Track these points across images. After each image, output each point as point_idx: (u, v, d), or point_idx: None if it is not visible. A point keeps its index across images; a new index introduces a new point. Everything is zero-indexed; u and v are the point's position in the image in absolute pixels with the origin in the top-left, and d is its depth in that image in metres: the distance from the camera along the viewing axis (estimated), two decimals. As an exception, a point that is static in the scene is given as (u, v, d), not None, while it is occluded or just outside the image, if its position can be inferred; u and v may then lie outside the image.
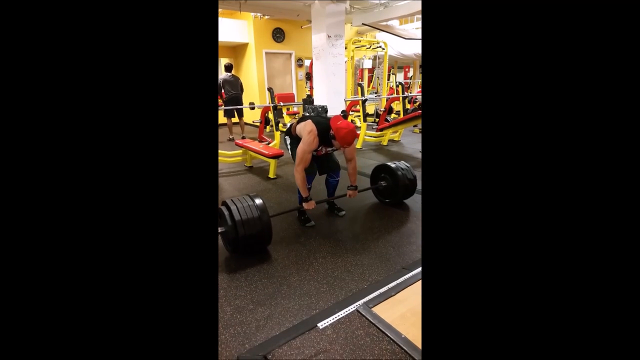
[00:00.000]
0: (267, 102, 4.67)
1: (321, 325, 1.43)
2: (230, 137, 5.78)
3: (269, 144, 4.28)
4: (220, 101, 5.63)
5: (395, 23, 6.83)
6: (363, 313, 1.49)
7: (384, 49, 7.72)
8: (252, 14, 6.63)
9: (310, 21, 5.41)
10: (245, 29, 7.05)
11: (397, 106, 7.33)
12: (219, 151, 3.91)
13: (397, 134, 5.60)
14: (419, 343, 1.29)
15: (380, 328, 1.39)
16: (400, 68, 10.76)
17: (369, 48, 8.03)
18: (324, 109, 4.84)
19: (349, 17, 5.87)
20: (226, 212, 1.91)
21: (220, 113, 5.76)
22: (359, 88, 5.12)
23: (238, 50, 7.65)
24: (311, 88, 7.03)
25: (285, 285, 1.73)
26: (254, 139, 4.91)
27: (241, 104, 5.68)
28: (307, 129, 2.14)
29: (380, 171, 2.78)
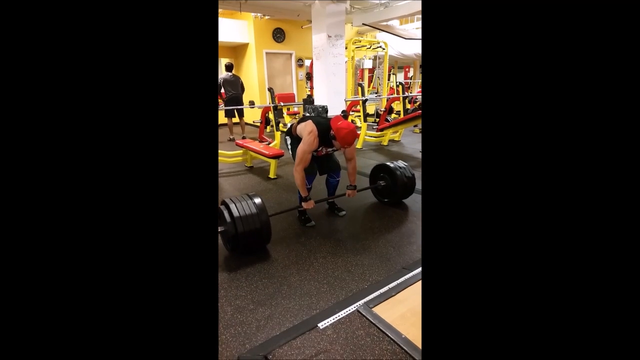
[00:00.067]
0: (268, 102, 4.67)
1: (322, 325, 1.43)
2: (231, 137, 5.78)
3: (269, 144, 4.29)
4: (220, 101, 5.63)
5: (395, 23, 6.83)
6: (363, 313, 1.49)
7: (384, 49, 7.72)
8: (253, 14, 6.63)
9: (311, 21, 5.41)
10: (246, 29, 7.05)
11: (397, 106, 7.32)
12: (220, 151, 3.91)
13: (398, 134, 5.59)
14: (419, 343, 1.29)
15: (381, 328, 1.39)
16: (400, 68, 10.76)
17: (369, 48, 8.03)
18: (325, 109, 4.84)
19: (349, 17, 5.87)
20: (225, 211, 1.92)
21: (221, 113, 5.77)
22: (359, 88, 5.12)
23: (238, 50, 7.65)
24: (311, 88, 7.03)
25: (286, 285, 1.73)
26: (254, 139, 4.91)
27: (241, 104, 5.67)
28: (307, 129, 2.14)
29: (379, 171, 2.79)
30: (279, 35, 7.27)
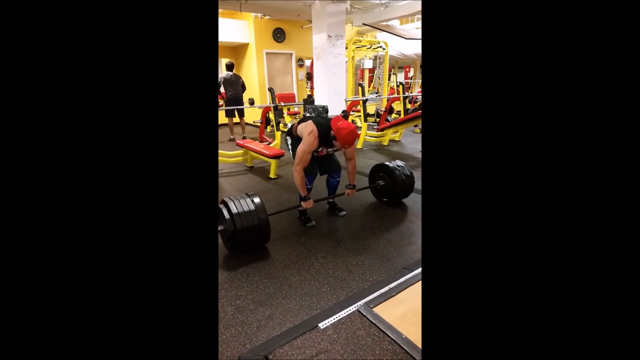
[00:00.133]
0: (268, 102, 4.67)
1: (322, 325, 1.43)
2: (231, 137, 5.78)
3: (269, 144, 4.29)
4: (221, 101, 5.63)
5: (395, 23, 6.83)
6: (364, 313, 1.49)
7: (384, 49, 7.71)
8: (253, 14, 6.63)
9: (311, 21, 5.41)
10: (246, 29, 7.05)
11: (397, 106, 7.32)
12: (220, 151, 3.91)
13: (398, 134, 5.59)
14: (419, 343, 1.29)
15: (381, 328, 1.39)
16: (400, 68, 10.75)
17: (370, 48, 8.03)
18: (325, 109, 4.84)
19: (349, 17, 5.87)
20: (224, 210, 1.93)
21: (222, 113, 5.77)
22: (360, 88, 5.12)
23: (239, 50, 7.65)
24: (312, 88, 7.03)
25: (286, 285, 1.73)
26: (254, 139, 4.91)
27: (242, 103, 5.67)
28: (307, 130, 2.15)
29: (378, 170, 2.80)
30: (279, 35, 7.27)
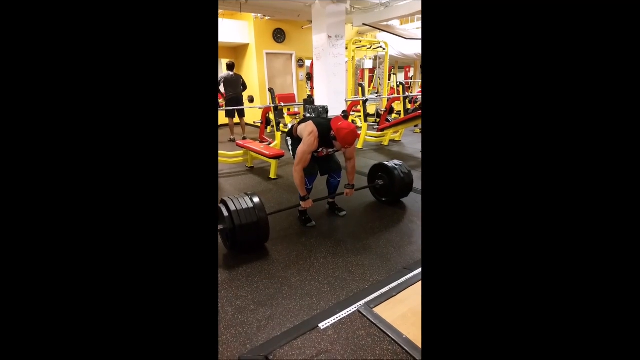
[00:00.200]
0: (268, 102, 4.67)
1: (322, 325, 1.43)
2: (232, 137, 5.79)
3: (269, 144, 4.29)
4: (221, 101, 5.63)
5: (395, 23, 6.82)
6: (364, 313, 1.49)
7: (384, 49, 7.71)
8: (253, 14, 6.63)
9: (311, 21, 5.41)
10: (246, 30, 7.05)
11: (398, 106, 7.32)
12: (220, 152, 3.91)
13: (398, 134, 5.59)
14: (420, 343, 1.29)
15: (382, 328, 1.39)
16: (401, 68, 10.75)
17: (370, 48, 8.02)
18: (325, 109, 4.84)
19: (349, 18, 5.87)
20: (224, 208, 1.95)
21: (222, 113, 5.77)
22: (360, 88, 5.12)
23: (239, 50, 7.66)
24: (312, 88, 7.03)
25: (287, 286, 1.73)
26: (255, 139, 4.91)
27: (242, 104, 5.67)
28: (308, 130, 2.15)
29: (377, 170, 2.82)
30: (279, 35, 7.27)
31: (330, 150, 2.32)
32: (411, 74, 10.40)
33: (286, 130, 5.12)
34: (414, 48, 7.97)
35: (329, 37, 5.06)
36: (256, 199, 2.00)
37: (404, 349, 1.29)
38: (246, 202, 1.96)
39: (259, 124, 5.35)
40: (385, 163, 2.73)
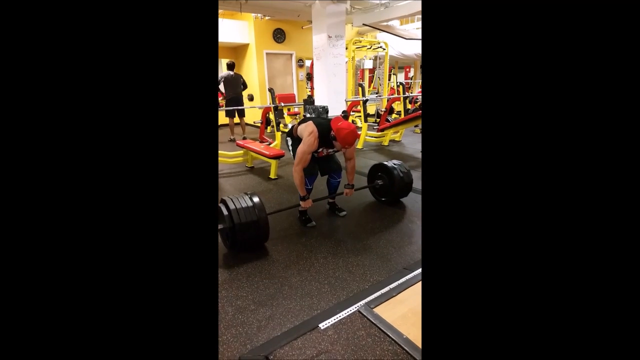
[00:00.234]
0: (268, 102, 4.67)
1: (323, 325, 1.43)
2: (232, 137, 5.79)
3: (269, 144, 4.29)
4: (221, 100, 5.63)
5: (395, 23, 6.82)
6: (364, 313, 1.49)
7: (384, 49, 7.71)
8: (253, 14, 6.63)
9: (311, 22, 5.41)
10: (246, 30, 7.06)
11: (398, 106, 7.32)
12: (220, 152, 3.91)
13: (398, 134, 5.59)
14: (420, 343, 1.29)
15: (382, 328, 1.39)
16: (401, 68, 10.75)
17: (370, 48, 8.02)
18: (325, 110, 4.84)
19: (349, 18, 5.87)
20: (223, 207, 1.96)
21: (222, 113, 5.77)
22: (360, 88, 5.12)
23: (239, 51, 7.66)
24: (312, 88, 7.03)
25: (287, 286, 1.73)
26: (255, 139, 4.91)
27: (242, 104, 5.68)
28: (308, 130, 2.16)
29: (377, 170, 2.82)
30: (279, 35, 7.27)
31: (331, 150, 2.32)
32: (411, 74, 10.40)
33: (286, 130, 5.12)
34: (414, 48, 7.97)
35: (329, 37, 5.06)
36: (256, 199, 2.00)
37: (404, 349, 1.29)
38: (246, 201, 1.97)
39: (259, 124, 5.35)
40: (385, 163, 2.74)
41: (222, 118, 6.27)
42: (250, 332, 1.41)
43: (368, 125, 5.22)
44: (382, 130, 5.18)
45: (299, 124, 2.33)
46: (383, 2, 5.33)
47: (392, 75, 9.61)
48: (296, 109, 6.82)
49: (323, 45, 5.14)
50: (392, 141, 5.48)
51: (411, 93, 7.79)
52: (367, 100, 5.14)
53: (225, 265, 1.93)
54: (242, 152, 4.16)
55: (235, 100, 5.51)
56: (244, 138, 5.34)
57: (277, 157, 3.57)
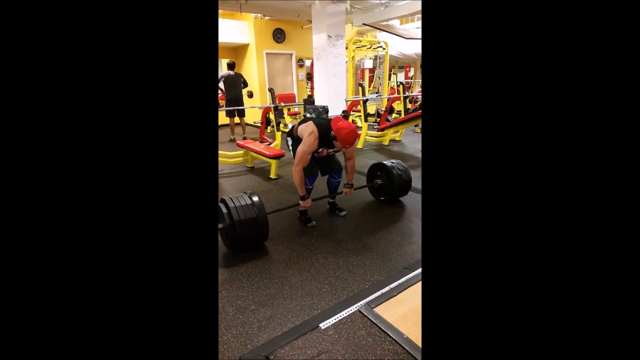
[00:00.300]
0: (268, 102, 4.67)
1: (323, 325, 1.43)
2: (232, 137, 5.79)
3: (270, 144, 4.29)
4: (221, 102, 5.64)
5: (395, 23, 6.82)
6: (365, 313, 1.49)
7: (384, 48, 7.71)
8: (253, 14, 6.63)
9: (311, 21, 5.41)
10: (246, 30, 7.05)
11: (398, 106, 7.32)
12: (220, 152, 3.91)
13: (399, 133, 5.59)
14: (420, 343, 1.29)
15: (382, 328, 1.39)
16: (401, 68, 10.75)
17: (370, 48, 8.02)
18: (325, 109, 4.84)
19: (349, 17, 5.87)
20: (223, 207, 1.96)
21: (222, 113, 5.77)
22: (360, 88, 5.12)
23: (239, 50, 7.66)
24: (312, 88, 7.02)
25: (287, 286, 1.73)
26: (255, 139, 4.91)
27: (242, 103, 5.68)
28: (308, 130, 2.17)
29: (376, 169, 2.82)
30: (279, 35, 7.27)
31: (331, 150, 2.33)
32: (411, 73, 10.40)
33: (286, 130, 5.12)
34: (414, 48, 7.97)
35: (329, 37, 5.06)
36: (255, 197, 2.01)
37: (404, 348, 1.29)
38: (245, 200, 1.98)
39: (259, 124, 5.35)
40: (384, 162, 2.74)
41: (223, 118, 6.27)
42: (250, 332, 1.41)
43: (368, 125, 5.22)
44: (382, 129, 5.18)
45: (299, 124, 2.34)
46: (383, 1, 5.33)
47: (392, 75, 9.60)
48: (296, 109, 6.81)
49: (323, 45, 5.14)
50: (393, 141, 5.48)
51: (411, 92, 7.79)
52: (367, 100, 5.14)
53: (226, 265, 1.93)
54: (242, 152, 4.16)
55: (235, 100, 5.51)
56: (244, 138, 5.34)
57: (277, 157, 3.57)
